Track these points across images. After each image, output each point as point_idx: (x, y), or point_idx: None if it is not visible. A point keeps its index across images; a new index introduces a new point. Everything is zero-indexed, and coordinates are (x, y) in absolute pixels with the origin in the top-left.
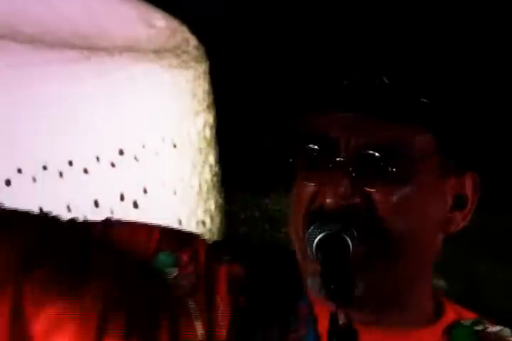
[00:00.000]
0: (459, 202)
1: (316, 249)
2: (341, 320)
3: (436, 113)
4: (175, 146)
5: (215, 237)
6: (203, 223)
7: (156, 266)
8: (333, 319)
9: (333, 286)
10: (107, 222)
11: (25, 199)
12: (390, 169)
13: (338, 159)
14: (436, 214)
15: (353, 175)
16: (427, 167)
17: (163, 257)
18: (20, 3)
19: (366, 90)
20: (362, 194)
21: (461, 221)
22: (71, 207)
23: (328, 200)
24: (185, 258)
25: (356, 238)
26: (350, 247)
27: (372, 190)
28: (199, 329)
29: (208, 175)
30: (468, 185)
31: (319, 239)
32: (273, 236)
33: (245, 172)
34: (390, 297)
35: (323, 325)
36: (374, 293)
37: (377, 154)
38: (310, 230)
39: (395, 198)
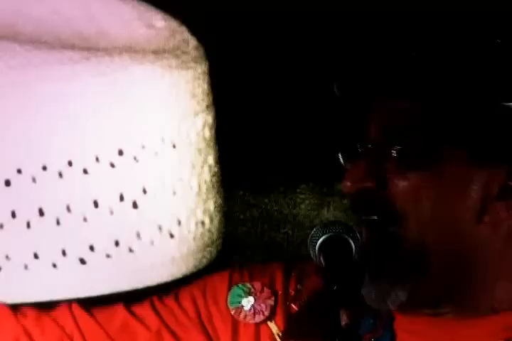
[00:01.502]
0: (504, 193)
1: (318, 251)
2: (344, 321)
3: (462, 95)
4: (174, 147)
5: (214, 237)
6: (202, 223)
7: (231, 300)
8: (336, 321)
9: (335, 287)
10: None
11: (24, 199)
12: (406, 150)
13: (367, 146)
14: (465, 200)
15: (371, 159)
16: (451, 152)
17: (236, 290)
18: (20, 3)
19: (390, 72)
20: (377, 178)
21: (502, 212)
22: (70, 208)
23: (342, 183)
24: (258, 286)
25: (359, 240)
26: (353, 249)
27: (386, 174)
28: None
29: (207, 176)
30: None
31: (322, 241)
32: (272, 237)
33: (245, 173)
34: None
35: (400, 325)
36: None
37: (395, 138)
38: (313, 232)
39: (411, 184)
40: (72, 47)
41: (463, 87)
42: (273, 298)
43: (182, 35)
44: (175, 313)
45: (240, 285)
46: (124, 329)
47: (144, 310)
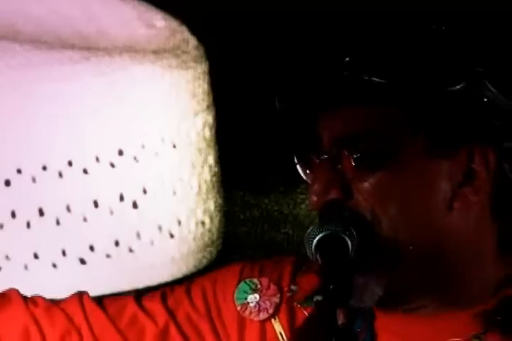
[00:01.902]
0: (469, 177)
1: (315, 249)
2: (340, 320)
3: (402, 90)
4: (174, 147)
5: (215, 237)
6: (203, 223)
7: (237, 296)
8: (332, 319)
9: (331, 287)
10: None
11: (24, 199)
12: (363, 156)
13: (323, 157)
14: (434, 192)
15: (331, 170)
16: (408, 147)
17: (243, 285)
18: (20, 3)
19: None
20: (340, 188)
21: (471, 196)
22: (70, 208)
23: (310, 200)
24: (265, 282)
25: (356, 238)
26: (350, 247)
27: (349, 182)
28: None
29: (207, 176)
30: (478, 158)
31: (318, 240)
32: (273, 237)
33: (245, 173)
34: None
35: (381, 325)
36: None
37: (348, 144)
38: (309, 230)
39: (373, 184)
40: (72, 46)
41: (409, 78)
42: (278, 296)
43: (182, 34)
44: (185, 308)
45: (247, 280)
46: (132, 323)
47: (153, 303)
